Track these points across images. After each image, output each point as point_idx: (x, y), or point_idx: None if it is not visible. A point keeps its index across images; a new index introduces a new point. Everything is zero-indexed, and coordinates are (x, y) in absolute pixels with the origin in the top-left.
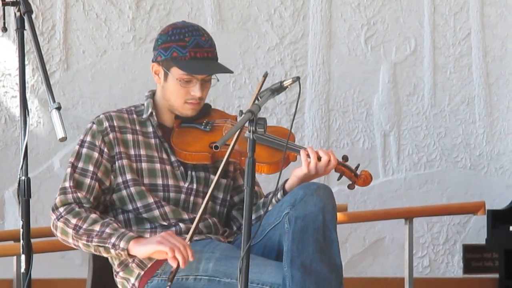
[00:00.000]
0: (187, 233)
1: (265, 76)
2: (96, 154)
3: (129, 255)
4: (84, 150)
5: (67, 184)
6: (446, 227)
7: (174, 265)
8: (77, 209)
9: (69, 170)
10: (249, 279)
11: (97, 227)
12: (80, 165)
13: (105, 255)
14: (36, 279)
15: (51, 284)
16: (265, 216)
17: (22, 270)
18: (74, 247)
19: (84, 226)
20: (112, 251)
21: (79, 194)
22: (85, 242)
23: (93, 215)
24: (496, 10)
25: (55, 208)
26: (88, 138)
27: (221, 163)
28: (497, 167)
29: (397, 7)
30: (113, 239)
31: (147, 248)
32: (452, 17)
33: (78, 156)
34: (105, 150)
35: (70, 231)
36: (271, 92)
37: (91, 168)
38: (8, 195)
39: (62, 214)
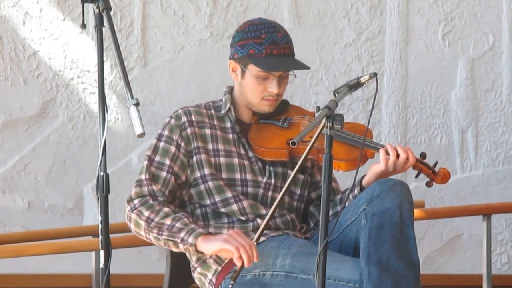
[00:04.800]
0: (265, 229)
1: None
2: (173, 148)
3: (197, 251)
4: (162, 144)
5: (143, 177)
6: None
7: (239, 264)
8: (151, 201)
9: (145, 163)
10: (325, 275)
11: (168, 221)
12: (157, 158)
13: (174, 249)
14: (114, 274)
15: (129, 279)
16: (342, 213)
17: (101, 265)
18: (146, 240)
19: (156, 219)
20: (181, 245)
21: (154, 187)
22: (155, 235)
23: (165, 209)
24: None
25: (130, 200)
26: (166, 132)
27: (299, 159)
28: None
29: (475, 2)
30: (182, 234)
31: (214, 245)
32: None
33: (155, 149)
34: (182, 144)
35: (143, 223)
36: (348, 88)
37: (167, 162)
38: (87, 191)
39: (136, 206)
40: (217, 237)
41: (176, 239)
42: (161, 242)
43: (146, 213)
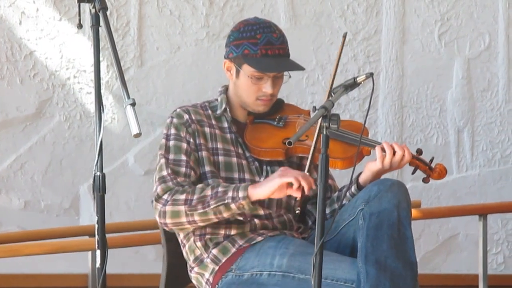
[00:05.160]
0: (262, 229)
1: (345, 36)
2: (184, 145)
3: (252, 203)
4: (172, 143)
5: (165, 173)
6: None
7: (299, 195)
8: (181, 189)
9: (162, 160)
10: (323, 275)
11: (208, 192)
12: (171, 156)
13: (225, 215)
14: (111, 274)
15: (125, 279)
16: (339, 212)
17: (97, 265)
18: (188, 225)
19: (195, 197)
20: (233, 205)
21: (178, 180)
22: (201, 211)
23: (198, 185)
24: None
25: (158, 197)
26: (173, 131)
27: (296, 158)
28: None
29: (471, 2)
30: (230, 193)
31: (270, 184)
32: None
33: (167, 149)
34: (191, 140)
35: (182, 208)
36: (345, 88)
37: (183, 157)
38: (83, 191)
39: (168, 199)
40: (268, 178)
41: (226, 201)
42: (209, 215)
43: (182, 197)
